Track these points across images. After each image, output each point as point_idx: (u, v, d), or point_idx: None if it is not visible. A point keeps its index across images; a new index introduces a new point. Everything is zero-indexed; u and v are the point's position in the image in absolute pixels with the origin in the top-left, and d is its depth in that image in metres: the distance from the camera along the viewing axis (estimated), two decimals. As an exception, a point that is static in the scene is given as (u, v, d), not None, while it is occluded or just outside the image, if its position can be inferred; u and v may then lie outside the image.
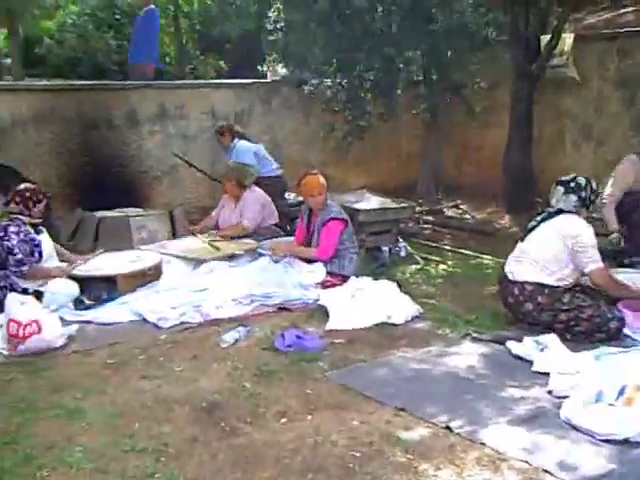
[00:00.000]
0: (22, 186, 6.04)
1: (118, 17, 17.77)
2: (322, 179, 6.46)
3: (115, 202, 8.12)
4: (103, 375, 4.66)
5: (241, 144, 8.17)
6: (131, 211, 8.01)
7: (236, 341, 5.06)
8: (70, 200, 8.31)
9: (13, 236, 5.70)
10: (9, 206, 5.89)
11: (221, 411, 4.11)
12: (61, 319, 5.37)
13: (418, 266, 7.05)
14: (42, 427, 3.98)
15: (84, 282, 5.95)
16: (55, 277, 5.85)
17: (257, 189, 7.37)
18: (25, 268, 5.70)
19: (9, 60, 23.67)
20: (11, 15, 21.57)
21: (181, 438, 3.82)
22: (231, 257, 6.69)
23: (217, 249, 6.81)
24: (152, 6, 10.34)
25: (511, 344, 4.83)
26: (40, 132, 8.30)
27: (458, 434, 3.76)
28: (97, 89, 8.99)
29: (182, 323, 5.47)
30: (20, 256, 5.69)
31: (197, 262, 6.56)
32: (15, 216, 5.83)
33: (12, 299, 5.24)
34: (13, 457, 3.65)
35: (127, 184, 8.61)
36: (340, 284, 6.01)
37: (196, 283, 6.15)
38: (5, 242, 5.69)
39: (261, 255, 6.73)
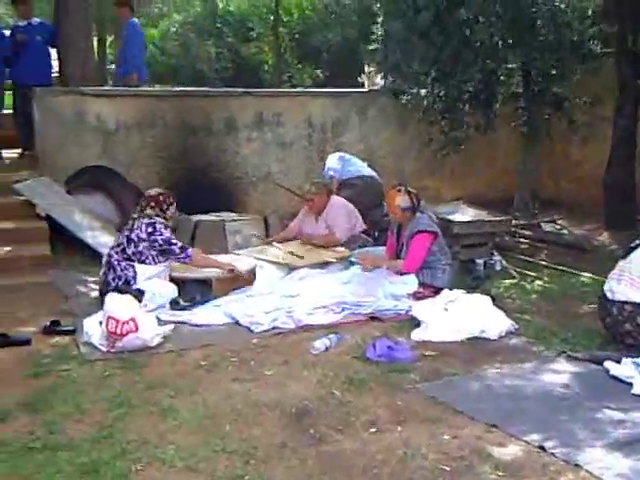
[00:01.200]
0: (152, 192, 6.31)
1: (219, 25, 18.15)
2: (400, 198, 6.35)
3: (211, 206, 8.29)
4: (196, 376, 4.74)
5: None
6: (227, 215, 8.14)
7: (327, 348, 5.07)
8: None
9: (163, 230, 6.01)
10: (145, 211, 6.11)
11: (311, 417, 4.12)
12: (157, 319, 5.50)
13: (513, 281, 6.91)
14: (136, 423, 4.08)
15: (180, 284, 6.08)
16: (220, 268, 6.26)
17: (338, 198, 7.39)
18: (190, 251, 6.05)
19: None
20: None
21: (270, 442, 3.85)
22: (323, 264, 6.71)
23: (300, 257, 6.84)
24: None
25: (609, 364, 4.68)
26: (142, 136, 8.52)
27: (552, 454, 3.66)
28: (197, 96, 9.18)
29: (274, 328, 5.52)
30: (180, 243, 6.02)
31: (290, 268, 6.62)
32: (154, 218, 6.09)
33: (112, 297, 5.40)
34: (110, 450, 3.75)
35: (223, 189, 8.75)
36: (432, 296, 5.94)
37: (289, 289, 6.20)
38: (159, 236, 5.98)
39: (353, 263, 6.74)
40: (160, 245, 6.01)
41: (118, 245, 6.12)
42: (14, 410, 4.23)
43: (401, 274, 6.27)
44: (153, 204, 6.17)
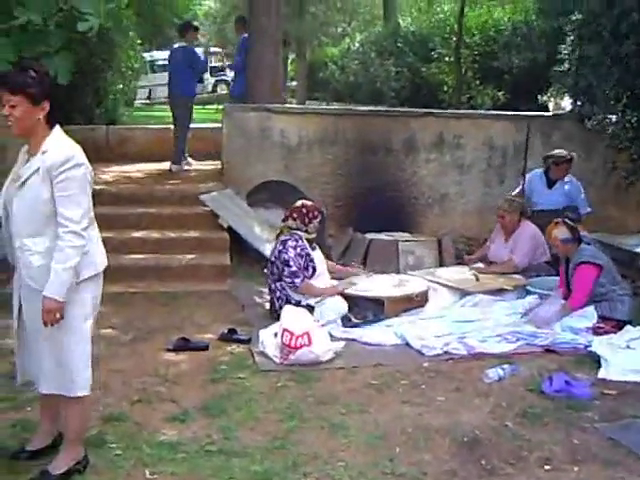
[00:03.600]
0: (299, 203, 6.36)
1: (400, 45, 18.24)
2: (557, 230, 6.10)
3: (385, 225, 8.32)
4: (366, 394, 4.76)
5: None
6: (400, 235, 8.14)
7: (500, 378, 4.94)
8: (343, 220, 8.61)
9: (290, 250, 6.04)
10: (287, 222, 6.24)
11: (482, 448, 4.04)
12: (330, 334, 5.57)
13: (703, 321, 6.46)
14: (308, 437, 4.15)
15: (352, 301, 6.12)
16: (327, 295, 6.09)
17: (529, 225, 7.15)
18: (298, 281, 6.01)
19: (294, 83, 25.34)
20: (301, 42, 23.09)
21: (440, 469, 3.81)
22: (499, 292, 6.56)
23: (476, 279, 6.76)
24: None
25: None
26: (323, 153, 8.67)
27: None
28: (378, 115, 9.24)
29: (446, 353, 5.44)
30: (294, 269, 6.01)
31: (464, 293, 6.52)
32: (294, 231, 6.16)
33: (288, 310, 5.53)
34: (282, 461, 3.84)
35: (398, 209, 8.74)
36: (614, 331, 5.67)
37: (461, 314, 6.12)
38: (283, 255, 6.04)
39: (529, 292, 6.55)
40: (280, 262, 6.06)
41: (269, 269, 6.25)
42: (192, 413, 4.42)
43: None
44: (295, 216, 6.21)
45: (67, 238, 3.36)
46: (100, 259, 3.65)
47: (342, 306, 6.03)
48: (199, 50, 10.35)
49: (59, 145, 3.46)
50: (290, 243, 6.09)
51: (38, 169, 3.39)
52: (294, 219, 6.21)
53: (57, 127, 3.52)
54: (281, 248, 6.09)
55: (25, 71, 3.42)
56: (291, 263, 6.02)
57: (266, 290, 6.74)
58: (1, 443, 3.93)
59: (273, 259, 6.16)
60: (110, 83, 13.31)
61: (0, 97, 3.39)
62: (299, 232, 6.18)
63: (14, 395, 4.41)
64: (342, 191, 8.72)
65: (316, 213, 6.28)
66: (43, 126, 3.46)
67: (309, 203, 6.40)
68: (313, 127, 8.68)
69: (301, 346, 5.16)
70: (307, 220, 6.21)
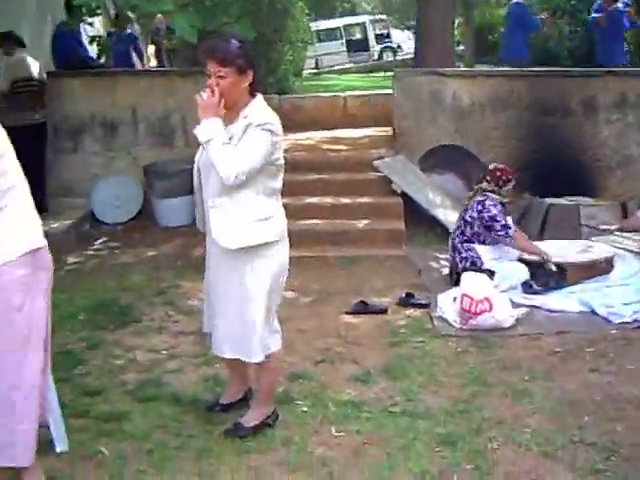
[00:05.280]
0: (491, 166, 6.31)
1: (574, 2, 17.44)
2: None
3: (564, 189, 8.00)
4: (550, 362, 4.64)
5: None
6: (581, 200, 7.80)
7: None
8: (519, 185, 8.30)
9: (492, 208, 5.98)
10: (481, 184, 6.18)
11: (681, 421, 3.84)
12: (510, 300, 5.45)
13: None
14: (491, 402, 4.10)
15: (534, 267, 5.96)
16: (534, 254, 5.98)
17: None
18: (511, 231, 5.96)
19: (461, 47, 24.83)
20: (468, 6, 22.58)
21: (635, 441, 3.66)
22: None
23: None
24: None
25: None
26: (495, 117, 8.46)
27: None
28: (555, 75, 8.88)
29: (635, 321, 5.19)
30: (504, 222, 5.96)
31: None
32: (488, 193, 6.09)
33: (468, 275, 5.47)
34: (466, 425, 3.82)
35: (577, 172, 8.38)
36: None
37: (650, 281, 5.82)
38: (486, 213, 5.98)
39: None
40: (486, 221, 5.97)
41: (458, 227, 6.18)
42: (374, 374, 4.48)
43: None
44: (489, 178, 6.13)
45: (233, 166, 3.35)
46: (283, 225, 3.69)
47: (523, 272, 5.89)
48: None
49: (263, 110, 3.49)
50: (488, 202, 6.03)
51: (241, 133, 3.42)
52: (488, 182, 6.16)
53: (259, 95, 3.54)
54: (480, 208, 6.03)
55: (229, 41, 3.44)
56: (498, 218, 5.95)
57: (442, 255, 6.71)
58: (197, 396, 4.16)
59: (468, 219, 6.09)
60: (281, 53, 13.57)
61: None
62: (493, 195, 6.11)
63: (205, 352, 4.61)
64: (516, 155, 8.44)
65: (510, 176, 6.20)
66: (246, 95, 3.49)
67: (501, 166, 6.32)
68: (485, 90, 8.48)
69: (482, 312, 5.09)
70: (501, 182, 6.14)
